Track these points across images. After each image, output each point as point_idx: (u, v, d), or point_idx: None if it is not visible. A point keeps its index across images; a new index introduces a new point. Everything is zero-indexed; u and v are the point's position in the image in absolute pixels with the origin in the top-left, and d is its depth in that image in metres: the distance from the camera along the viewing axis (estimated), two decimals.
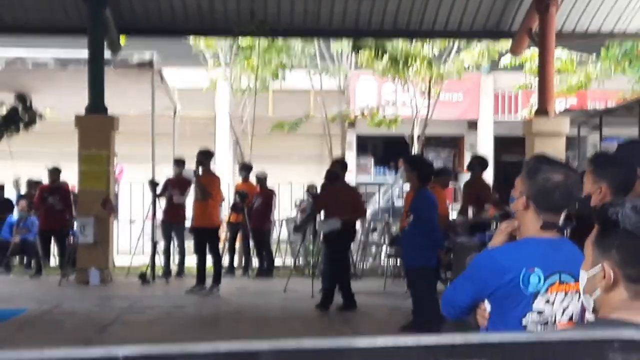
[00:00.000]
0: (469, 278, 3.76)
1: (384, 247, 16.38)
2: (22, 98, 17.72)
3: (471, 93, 25.27)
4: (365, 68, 20.96)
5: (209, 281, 13.73)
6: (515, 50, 17.06)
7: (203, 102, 24.29)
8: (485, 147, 25.36)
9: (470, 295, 3.72)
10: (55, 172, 16.40)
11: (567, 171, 3.66)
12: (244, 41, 19.28)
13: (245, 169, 16.98)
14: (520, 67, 20.34)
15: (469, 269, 3.81)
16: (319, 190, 14.54)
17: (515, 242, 3.73)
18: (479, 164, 13.82)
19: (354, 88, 24.05)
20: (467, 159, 26.34)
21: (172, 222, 15.61)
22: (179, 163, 15.78)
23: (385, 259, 16.06)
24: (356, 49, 19.22)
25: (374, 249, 17.37)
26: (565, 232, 3.68)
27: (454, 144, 27.20)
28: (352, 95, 23.94)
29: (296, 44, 20.32)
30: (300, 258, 16.46)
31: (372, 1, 15.72)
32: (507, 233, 3.79)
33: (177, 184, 15.52)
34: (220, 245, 14.81)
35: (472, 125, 26.22)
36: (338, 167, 12.45)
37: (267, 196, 16.36)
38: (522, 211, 3.68)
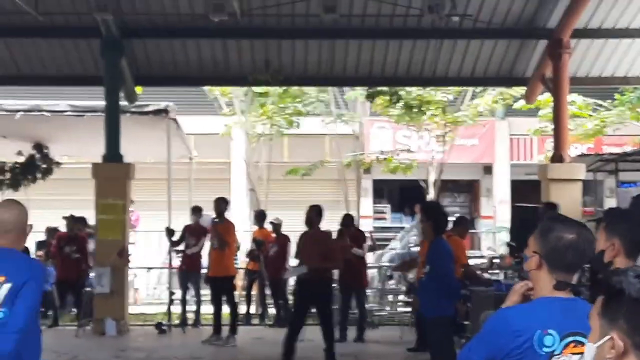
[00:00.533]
0: (483, 340, 3.73)
1: (401, 295, 16.31)
2: (39, 147, 17.87)
3: (486, 137, 25.27)
4: (380, 115, 21.05)
5: (225, 330, 13.69)
6: (529, 97, 17.09)
7: (219, 148, 24.38)
8: (501, 191, 25.31)
9: (485, 357, 3.70)
10: (72, 221, 16.42)
11: (580, 230, 3.64)
12: (258, 88, 19.39)
13: (260, 216, 16.99)
14: (536, 110, 20.36)
15: (483, 331, 3.79)
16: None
17: (529, 303, 3.71)
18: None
19: (369, 134, 24.11)
20: (483, 203, 26.36)
21: (188, 271, 15.61)
22: (196, 211, 15.81)
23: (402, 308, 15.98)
24: (370, 97, 19.31)
25: (390, 297, 17.29)
26: (580, 292, 3.65)
27: (469, 188, 27.15)
28: (367, 141, 23.99)
29: (311, 90, 20.44)
30: None
31: (384, 50, 15.82)
32: (521, 293, 3.77)
33: (194, 232, 15.54)
34: (237, 294, 14.78)
35: (488, 169, 26.18)
36: (313, 214, 11.81)
37: (283, 243, 16.34)
38: (535, 271, 3.67)
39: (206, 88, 21.28)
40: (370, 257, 17.05)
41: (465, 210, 25.57)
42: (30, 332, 4.66)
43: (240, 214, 23.69)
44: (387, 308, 17.08)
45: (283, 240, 16.37)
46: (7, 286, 4.61)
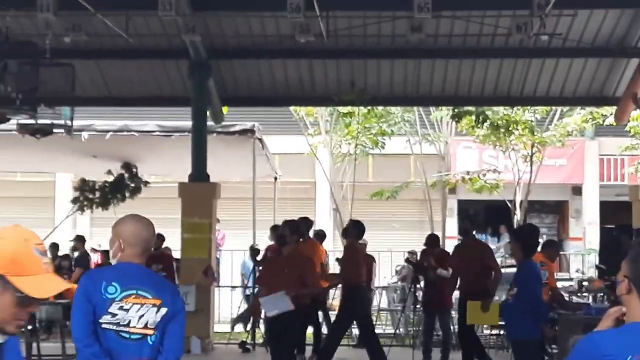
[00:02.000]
0: None
1: None
2: (128, 166, 18.17)
3: (575, 157, 24.85)
4: (466, 134, 20.88)
5: (309, 350, 13.67)
6: (619, 117, 16.74)
7: (303, 168, 24.48)
8: (590, 212, 24.84)
9: None
10: (158, 239, 16.63)
11: None
12: (344, 108, 19.43)
13: (319, 236, 16.97)
14: (625, 129, 19.95)
15: (572, 355, 3.70)
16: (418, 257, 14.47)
17: (621, 328, 3.62)
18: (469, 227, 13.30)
19: (455, 153, 23.92)
20: (571, 225, 25.91)
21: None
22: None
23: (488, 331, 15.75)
24: (456, 117, 19.16)
25: None
26: None
27: (557, 209, 26.72)
28: (453, 161, 23.81)
29: (396, 110, 20.40)
30: (401, 327, 16.28)
31: (471, 69, 15.70)
32: (615, 318, 3.68)
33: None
34: (320, 314, 14.76)
35: (577, 190, 25.73)
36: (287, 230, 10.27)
37: (368, 263, 16.28)
38: (626, 295, 3.58)
39: (292, 108, 21.40)
40: None
41: (552, 232, 25.19)
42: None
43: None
44: None
45: (368, 260, 16.30)
46: (164, 310, 4.67)
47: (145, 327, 4.63)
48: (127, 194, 18.22)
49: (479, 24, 14.07)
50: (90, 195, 18.29)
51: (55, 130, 13.21)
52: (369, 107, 18.85)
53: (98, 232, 25.14)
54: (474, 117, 18.98)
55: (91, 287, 4.67)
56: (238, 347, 15.06)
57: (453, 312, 14.36)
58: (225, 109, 17.01)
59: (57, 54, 12.58)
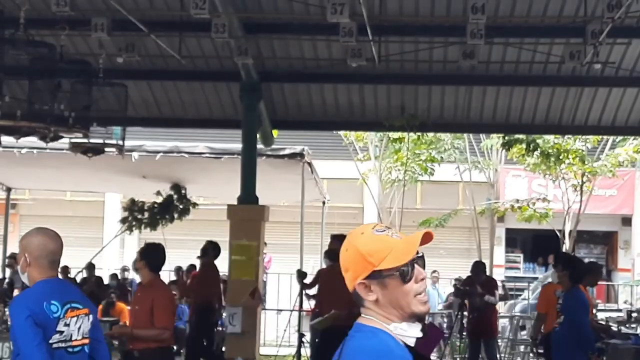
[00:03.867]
0: None
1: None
2: (177, 187, 18.28)
3: (625, 188, 24.56)
4: (516, 163, 20.73)
5: None
6: None
7: (352, 193, 24.47)
8: None
9: None
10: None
11: None
12: (393, 134, 19.40)
13: None
14: None
15: None
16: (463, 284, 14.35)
17: None
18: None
19: (504, 182, 23.76)
20: (620, 256, 25.55)
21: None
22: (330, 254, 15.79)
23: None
24: (506, 145, 19.03)
25: (522, 347, 16.88)
26: None
27: (607, 240, 26.39)
28: (502, 189, 23.65)
29: (446, 137, 20.33)
30: (447, 355, 16.13)
31: (522, 97, 15.59)
32: None
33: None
34: None
35: (626, 221, 25.41)
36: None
37: None
38: None
39: (341, 133, 21.42)
40: (501, 307, 16.73)
41: (601, 263, 24.86)
42: None
43: None
44: (519, 359, 16.66)
45: None
46: (91, 318, 4.91)
47: (83, 337, 4.74)
48: (175, 215, 18.32)
49: (532, 52, 13.98)
50: (139, 216, 18.40)
51: (106, 150, 13.30)
52: (419, 133, 18.80)
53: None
54: (524, 145, 18.85)
55: (37, 312, 4.59)
56: None
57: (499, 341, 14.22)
58: (275, 132, 17.05)
59: (110, 74, 12.71)
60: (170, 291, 8.46)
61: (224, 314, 15.45)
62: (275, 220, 16.85)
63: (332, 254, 10.08)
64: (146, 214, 18.31)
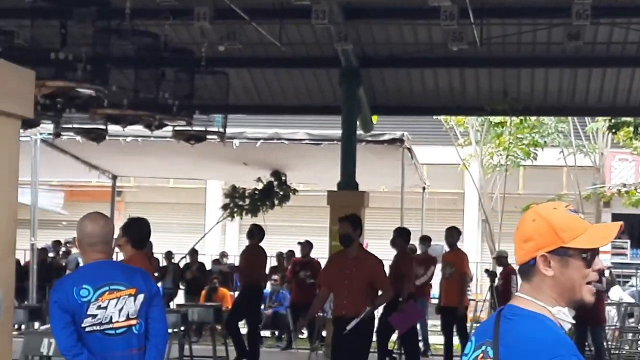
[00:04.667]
0: None
1: None
2: (277, 174, 18.39)
3: None
4: (623, 146, 20.23)
5: None
6: None
7: (452, 178, 24.25)
8: None
9: None
10: (307, 246, 16.75)
11: None
12: (495, 118, 19.13)
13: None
14: None
15: None
16: None
17: None
18: (400, 235, 12.96)
19: (610, 166, 23.21)
20: None
21: (415, 299, 15.50)
22: (425, 240, 15.71)
23: None
24: (613, 128, 18.57)
25: (630, 335, 16.49)
26: None
27: None
28: (608, 173, 23.10)
29: (549, 120, 19.95)
30: None
31: (630, 79, 15.17)
32: None
33: (422, 262, 15.43)
34: (468, 325, 14.54)
35: None
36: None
37: (508, 275, 15.99)
38: None
39: (442, 118, 21.23)
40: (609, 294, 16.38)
41: None
42: None
43: (472, 245, 23.41)
44: (627, 347, 16.28)
45: (508, 272, 16.01)
46: (141, 297, 4.79)
47: (128, 318, 4.70)
48: (276, 202, 18.43)
49: (639, 32, 13.59)
50: (240, 202, 18.58)
51: (208, 137, 13.45)
52: (522, 117, 18.49)
53: (246, 238, 25.59)
54: (631, 129, 18.35)
55: (62, 297, 4.69)
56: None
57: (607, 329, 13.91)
58: (374, 118, 16.99)
59: (212, 62, 12.82)
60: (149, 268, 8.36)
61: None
62: (374, 206, 16.79)
63: (345, 239, 9.56)
64: (247, 201, 18.48)
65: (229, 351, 12.99)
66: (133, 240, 6.89)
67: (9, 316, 5.10)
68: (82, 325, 4.61)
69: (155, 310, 4.81)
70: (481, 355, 2.53)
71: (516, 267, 2.69)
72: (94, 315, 4.63)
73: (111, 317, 4.65)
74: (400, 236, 12.91)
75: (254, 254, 13.47)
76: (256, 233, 13.47)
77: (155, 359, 4.75)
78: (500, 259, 16.12)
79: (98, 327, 4.63)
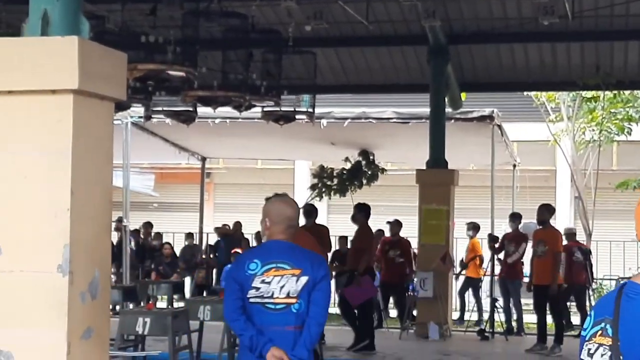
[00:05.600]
0: None
1: None
2: (365, 153, 18.34)
3: None
4: None
5: (550, 340, 13.28)
6: None
7: (543, 155, 23.86)
8: None
9: None
10: (396, 225, 16.66)
11: None
12: (587, 93, 18.73)
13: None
14: None
15: None
16: None
17: None
18: (360, 211, 13.16)
19: None
20: None
21: (507, 279, 15.34)
22: (515, 218, 15.49)
23: None
24: None
25: None
26: None
27: None
28: None
29: None
30: None
31: None
32: None
33: (513, 239, 15.23)
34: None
35: None
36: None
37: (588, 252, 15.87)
38: None
39: (532, 93, 20.88)
40: None
41: None
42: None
43: (565, 223, 23.02)
44: None
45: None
46: (304, 279, 4.94)
47: (288, 296, 4.91)
48: (364, 181, 18.40)
49: None
50: (328, 182, 18.60)
51: (297, 118, 13.47)
52: (615, 92, 18.08)
53: (335, 218, 25.62)
54: None
55: (235, 268, 5.14)
56: (477, 334, 14.90)
57: None
58: (463, 95, 16.82)
59: (299, 42, 12.81)
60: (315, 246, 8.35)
61: (415, 279, 15.42)
62: (464, 184, 16.62)
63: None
64: (335, 181, 18.48)
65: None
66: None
67: (106, 296, 5.18)
68: (247, 295, 4.93)
69: (318, 294, 4.96)
70: (600, 332, 2.45)
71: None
72: (258, 288, 4.92)
73: (273, 293, 4.91)
74: (360, 212, 13.23)
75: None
76: (314, 213, 13.38)
77: (306, 340, 4.91)
78: (569, 235, 15.84)
79: (260, 300, 4.92)
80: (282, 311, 4.90)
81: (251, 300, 4.91)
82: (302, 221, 14.52)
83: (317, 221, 13.67)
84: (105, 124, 5.20)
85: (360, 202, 13.65)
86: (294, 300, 4.91)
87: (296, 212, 5.17)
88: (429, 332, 14.35)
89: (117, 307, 13.55)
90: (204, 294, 17.39)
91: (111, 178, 5.36)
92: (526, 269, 14.83)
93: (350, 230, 19.80)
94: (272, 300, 4.90)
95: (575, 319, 16.11)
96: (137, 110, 14.95)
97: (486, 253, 16.33)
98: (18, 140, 4.88)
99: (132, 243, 18.13)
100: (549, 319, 13.37)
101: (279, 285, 4.90)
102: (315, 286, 4.94)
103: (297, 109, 13.36)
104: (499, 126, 16.26)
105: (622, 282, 2.53)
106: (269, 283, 4.91)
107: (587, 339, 4.28)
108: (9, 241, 4.85)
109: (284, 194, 5.38)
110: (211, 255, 19.53)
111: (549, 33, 14.11)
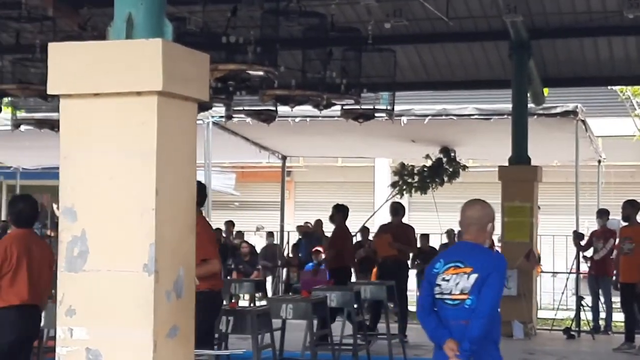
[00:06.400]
0: None
1: None
2: (446, 150, 18.21)
3: None
4: None
5: (639, 339, 13.02)
6: None
7: (629, 150, 23.39)
8: None
9: None
10: None
11: None
12: None
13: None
14: None
15: None
16: None
17: None
18: (338, 212, 13.58)
19: None
20: None
21: (597, 276, 15.06)
22: (602, 214, 15.20)
23: None
24: None
25: None
26: None
27: None
28: None
29: None
30: None
31: None
32: None
33: (601, 236, 14.95)
34: None
35: None
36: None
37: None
38: None
39: (617, 88, 20.49)
40: None
41: None
42: (494, 319, 5.38)
43: None
44: None
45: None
46: (474, 276, 5.31)
47: (462, 293, 5.34)
48: (445, 179, 18.28)
49: None
50: (409, 180, 18.52)
51: (376, 115, 13.45)
52: None
53: (415, 216, 25.52)
54: None
55: (429, 267, 5.61)
56: (562, 333, 14.67)
57: None
58: (546, 91, 16.60)
59: (378, 40, 12.77)
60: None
61: None
62: (547, 180, 16.38)
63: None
64: (416, 178, 18.39)
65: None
66: (12, 219, 7.49)
67: (191, 295, 5.23)
68: (434, 292, 5.44)
69: (485, 290, 5.28)
70: None
71: None
72: (440, 285, 5.41)
73: (451, 290, 5.37)
74: (339, 212, 13.61)
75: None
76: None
77: (472, 333, 5.26)
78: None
79: (441, 296, 5.41)
80: (458, 307, 5.34)
81: (436, 296, 5.43)
82: (388, 218, 14.60)
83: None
84: (189, 124, 5.25)
85: (338, 203, 14.03)
86: (465, 297, 5.32)
87: (476, 211, 5.55)
88: (513, 330, 14.17)
89: None
90: (289, 292, 17.48)
91: (195, 178, 5.40)
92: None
93: (431, 228, 19.78)
94: (450, 297, 5.38)
95: None
96: (218, 110, 15.09)
97: (571, 250, 16.08)
98: (104, 142, 4.95)
99: None
100: None
101: (455, 282, 5.36)
102: (484, 282, 5.29)
103: (376, 107, 13.33)
104: (583, 121, 16.00)
105: None
106: (448, 280, 5.39)
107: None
108: (96, 241, 4.93)
109: (476, 198, 5.74)
110: (290, 255, 19.61)
111: (634, 26, 13.81)
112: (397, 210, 14.05)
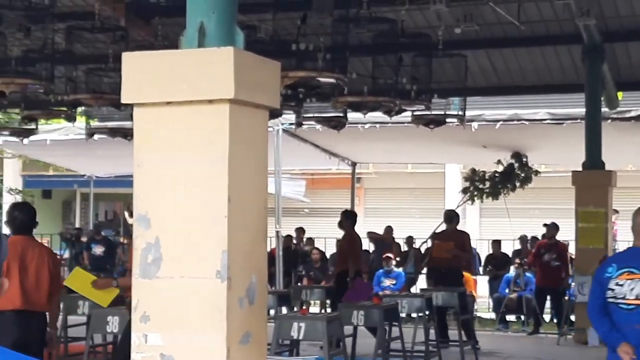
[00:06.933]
0: None
1: None
2: (518, 155, 18.03)
3: None
4: None
5: None
6: None
7: None
8: None
9: None
10: (553, 228, 16.27)
11: None
12: None
13: None
14: None
15: None
16: None
17: None
18: (347, 218, 13.80)
19: None
20: None
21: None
22: None
23: None
24: None
25: None
26: None
27: None
28: None
29: None
30: None
31: None
32: None
33: None
34: None
35: None
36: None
37: None
38: None
39: None
40: None
41: None
42: None
43: None
44: None
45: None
46: None
47: (636, 298, 5.46)
48: (517, 184, 18.09)
49: None
50: (480, 185, 18.38)
51: (447, 121, 13.39)
52: None
53: (487, 222, 25.31)
54: None
55: (599, 271, 5.74)
56: None
57: None
58: (620, 94, 16.31)
59: (449, 45, 12.71)
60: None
61: (572, 283, 15.02)
62: (622, 185, 16.10)
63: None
64: (487, 184, 18.24)
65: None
66: (9, 226, 7.48)
67: (263, 301, 5.25)
68: (606, 296, 5.53)
69: None
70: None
71: None
72: (612, 290, 5.51)
73: (625, 294, 5.48)
74: (347, 219, 13.82)
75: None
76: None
77: None
78: None
79: (614, 300, 5.51)
80: (633, 311, 5.44)
81: (609, 300, 5.52)
82: (442, 226, 14.53)
83: (465, 225, 13.60)
84: (260, 131, 5.28)
85: (347, 209, 14.33)
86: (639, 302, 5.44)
87: None
88: (589, 338, 13.92)
89: (272, 312, 13.76)
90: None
91: (266, 185, 5.43)
92: None
93: (503, 234, 19.58)
94: (624, 301, 5.48)
95: None
96: (288, 117, 15.15)
97: None
98: (177, 150, 5.00)
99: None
100: None
101: (630, 287, 5.46)
102: None
103: (447, 112, 13.27)
104: None
105: None
106: (621, 285, 5.49)
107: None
108: (169, 248, 4.98)
109: None
110: None
111: None
112: (452, 217, 14.01)
